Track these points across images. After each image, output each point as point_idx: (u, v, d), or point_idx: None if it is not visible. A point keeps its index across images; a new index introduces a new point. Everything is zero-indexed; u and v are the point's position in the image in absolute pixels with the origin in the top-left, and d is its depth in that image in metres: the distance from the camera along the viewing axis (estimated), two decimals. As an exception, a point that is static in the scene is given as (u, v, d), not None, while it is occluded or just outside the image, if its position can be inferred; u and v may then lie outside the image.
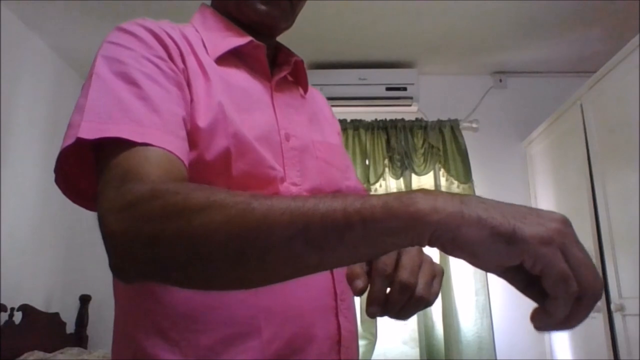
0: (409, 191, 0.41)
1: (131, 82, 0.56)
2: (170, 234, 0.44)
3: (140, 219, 0.46)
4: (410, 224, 0.39)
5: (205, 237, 0.43)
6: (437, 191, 0.41)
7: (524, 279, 0.41)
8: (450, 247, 0.39)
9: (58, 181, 0.58)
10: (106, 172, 0.51)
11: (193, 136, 0.59)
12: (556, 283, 0.38)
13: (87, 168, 0.58)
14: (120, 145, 0.52)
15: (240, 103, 0.66)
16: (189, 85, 0.62)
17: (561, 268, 0.38)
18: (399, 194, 0.41)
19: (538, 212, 0.39)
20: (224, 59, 0.69)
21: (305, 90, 0.84)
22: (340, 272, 0.69)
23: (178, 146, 0.55)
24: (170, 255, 0.45)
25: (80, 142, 0.52)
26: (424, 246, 0.41)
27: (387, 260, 0.49)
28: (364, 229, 0.40)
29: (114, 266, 0.48)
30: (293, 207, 0.41)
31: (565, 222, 0.39)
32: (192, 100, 0.61)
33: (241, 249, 0.42)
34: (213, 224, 0.43)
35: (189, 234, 0.43)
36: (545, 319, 0.41)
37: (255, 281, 0.46)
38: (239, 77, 0.70)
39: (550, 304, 0.40)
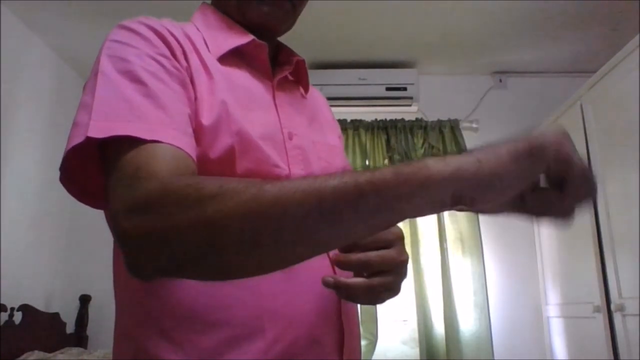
0: (420, 158, 0.43)
1: (137, 80, 0.57)
2: (185, 225, 0.45)
3: (154, 216, 0.46)
4: (424, 185, 0.40)
5: (220, 224, 0.44)
6: (445, 155, 0.43)
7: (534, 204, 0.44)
8: (479, 195, 0.40)
9: (62, 180, 0.58)
10: (116, 171, 0.51)
11: (197, 134, 0.59)
12: (578, 180, 0.41)
13: (92, 166, 0.58)
14: (129, 143, 0.52)
15: (243, 102, 0.66)
16: (192, 83, 0.62)
17: (581, 166, 0.41)
18: (410, 161, 0.42)
19: (537, 132, 0.42)
20: (225, 58, 0.69)
21: (306, 90, 0.84)
22: (343, 273, 0.69)
23: (186, 142, 0.55)
24: (186, 247, 0.45)
25: (88, 141, 0.52)
26: (448, 205, 0.42)
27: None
28: (377, 196, 0.40)
29: (130, 264, 0.48)
30: (304, 185, 0.42)
31: (566, 133, 0.42)
32: (195, 98, 0.61)
33: (257, 231, 0.43)
34: (226, 210, 0.43)
35: (203, 223, 0.44)
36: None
37: (272, 264, 0.47)
38: (241, 76, 0.70)
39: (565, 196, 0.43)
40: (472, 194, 0.40)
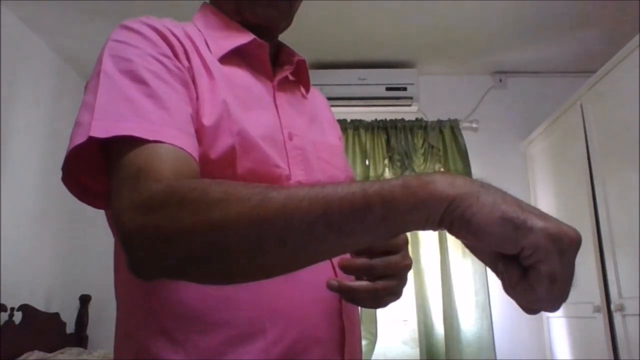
0: (428, 172, 0.42)
1: (139, 80, 0.57)
2: (190, 228, 0.45)
3: (159, 216, 0.46)
4: (427, 200, 0.40)
5: (225, 230, 0.44)
6: (456, 174, 0.42)
7: (513, 275, 0.42)
8: (457, 225, 0.40)
9: (64, 179, 0.58)
10: (119, 171, 0.51)
11: (198, 134, 0.59)
12: (543, 279, 0.39)
13: (94, 166, 0.58)
14: (131, 143, 0.52)
15: (244, 102, 0.66)
16: (193, 83, 0.62)
17: (554, 268, 0.38)
18: (417, 174, 0.42)
19: (559, 220, 0.40)
20: (226, 58, 0.69)
21: (307, 90, 0.84)
22: (345, 276, 0.69)
23: (188, 143, 0.56)
24: (190, 249, 0.45)
25: (90, 141, 0.53)
26: (435, 224, 0.41)
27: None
28: (383, 208, 0.41)
29: (132, 264, 0.49)
30: (312, 193, 0.42)
31: (579, 238, 0.39)
32: (197, 97, 0.62)
33: (261, 238, 0.43)
34: (232, 216, 0.43)
35: (208, 227, 0.44)
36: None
37: (275, 269, 0.47)
38: (241, 76, 0.70)
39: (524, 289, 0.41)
40: (452, 221, 0.40)
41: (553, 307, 0.41)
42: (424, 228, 0.42)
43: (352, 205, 0.41)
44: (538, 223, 0.38)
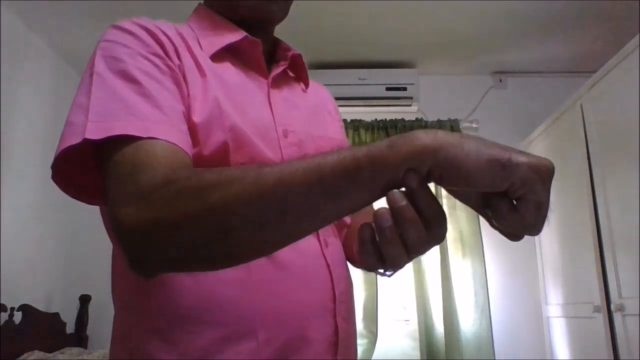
0: (411, 131, 0.43)
1: (131, 79, 0.57)
2: (190, 214, 0.45)
3: (157, 206, 0.46)
4: (413, 154, 0.41)
5: (225, 210, 0.44)
6: (438, 129, 0.44)
7: (500, 210, 0.44)
8: (447, 175, 0.41)
9: (55, 177, 0.58)
10: (114, 168, 0.52)
11: (190, 132, 0.60)
12: (531, 207, 0.42)
13: (86, 165, 0.58)
14: (125, 141, 0.52)
15: (236, 99, 0.66)
16: (185, 80, 0.62)
17: (539, 196, 0.42)
18: (402, 134, 0.44)
19: (532, 154, 0.43)
20: (219, 57, 0.69)
21: (306, 84, 0.83)
22: (339, 273, 0.69)
23: (182, 139, 0.56)
24: (193, 236, 0.45)
25: (84, 142, 0.53)
26: (423, 175, 0.42)
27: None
28: (373, 167, 0.42)
29: (133, 260, 0.48)
30: (304, 165, 0.44)
31: (553, 166, 0.43)
32: (188, 95, 0.62)
33: (262, 213, 0.44)
34: (231, 196, 0.44)
35: (208, 210, 0.45)
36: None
37: (278, 243, 0.48)
38: (234, 74, 0.70)
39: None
40: (441, 172, 0.42)
41: (537, 231, 0.44)
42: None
43: (344, 169, 0.42)
44: (521, 159, 0.41)
